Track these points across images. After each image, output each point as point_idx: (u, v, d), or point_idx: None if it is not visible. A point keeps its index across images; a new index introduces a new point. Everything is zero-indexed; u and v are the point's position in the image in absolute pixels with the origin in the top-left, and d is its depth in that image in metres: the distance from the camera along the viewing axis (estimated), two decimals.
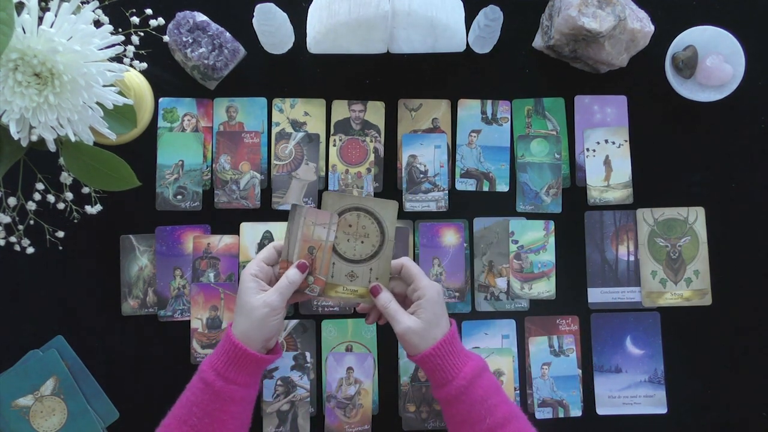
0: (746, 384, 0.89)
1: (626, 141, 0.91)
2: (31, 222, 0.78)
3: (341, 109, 0.91)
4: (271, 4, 0.81)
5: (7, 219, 0.74)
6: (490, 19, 0.83)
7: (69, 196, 0.78)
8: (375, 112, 0.91)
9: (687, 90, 0.89)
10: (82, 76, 0.61)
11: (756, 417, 0.89)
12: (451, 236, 0.89)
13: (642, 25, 0.87)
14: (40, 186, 0.75)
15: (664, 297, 0.89)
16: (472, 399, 0.70)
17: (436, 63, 0.91)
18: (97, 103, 0.64)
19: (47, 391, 0.83)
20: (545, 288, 0.89)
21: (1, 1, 0.55)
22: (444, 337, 0.71)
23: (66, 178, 0.76)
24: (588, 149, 0.91)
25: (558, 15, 0.85)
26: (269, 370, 0.86)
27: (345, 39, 0.85)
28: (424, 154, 0.90)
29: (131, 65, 0.73)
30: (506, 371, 0.87)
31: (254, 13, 0.82)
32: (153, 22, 0.75)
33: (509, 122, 0.91)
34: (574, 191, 0.91)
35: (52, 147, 0.64)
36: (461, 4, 0.87)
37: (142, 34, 0.74)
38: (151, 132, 0.89)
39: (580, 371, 0.88)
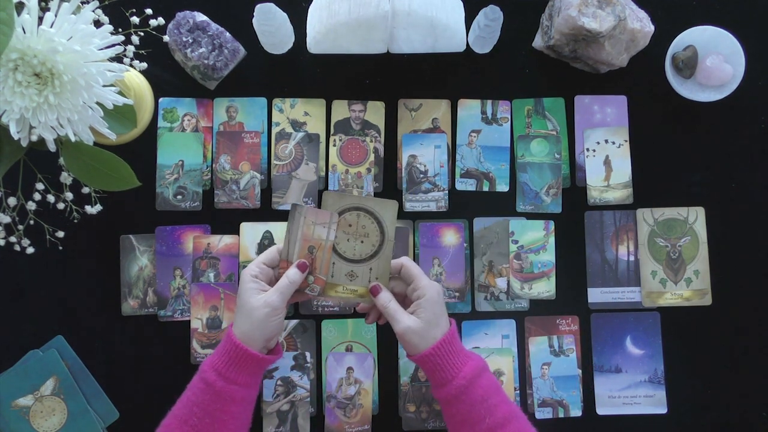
0: (746, 384, 0.89)
1: (626, 141, 0.91)
2: (31, 222, 0.78)
3: (341, 109, 0.91)
4: (271, 4, 0.81)
5: (7, 219, 0.74)
6: (490, 19, 0.83)
7: (69, 196, 0.78)
8: (375, 112, 0.91)
9: (687, 90, 0.89)
10: (82, 76, 0.61)
11: (756, 417, 0.88)
12: (451, 236, 0.89)
13: (642, 25, 0.87)
14: (40, 186, 0.75)
15: (664, 297, 0.89)
16: (472, 399, 0.70)
17: (436, 63, 0.91)
18: (97, 103, 0.64)
19: (47, 391, 0.83)
20: (545, 288, 0.89)
21: (1, 1, 0.55)
22: (444, 336, 0.71)
23: (66, 178, 0.76)
24: (588, 149, 0.91)
25: (558, 15, 0.85)
26: (269, 370, 0.86)
27: (345, 39, 0.85)
28: (424, 154, 0.90)
29: (131, 65, 0.73)
30: (506, 371, 0.87)
31: (254, 13, 0.82)
32: (153, 22, 0.75)
33: (509, 122, 0.91)
34: (574, 191, 0.91)
35: (52, 147, 0.64)
36: (461, 4, 0.87)
37: (142, 34, 0.74)
38: (151, 132, 0.89)
39: (580, 371, 0.88)
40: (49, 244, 0.82)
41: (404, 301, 0.76)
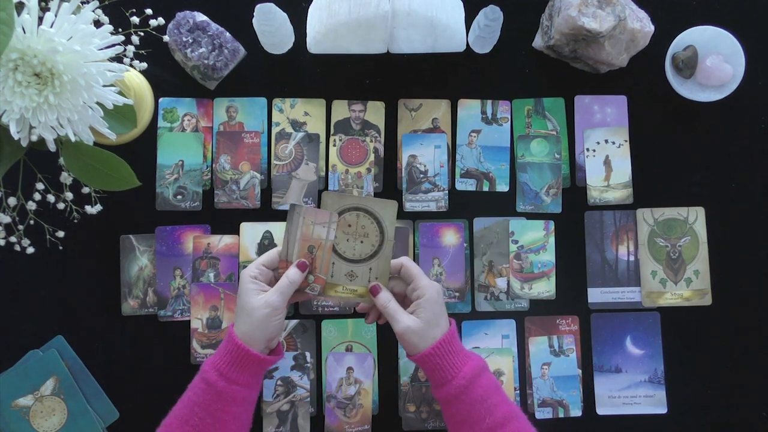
0: (746, 384, 0.89)
1: (626, 141, 0.91)
2: (31, 222, 0.78)
3: (341, 109, 0.91)
4: (271, 4, 0.81)
5: (7, 219, 0.74)
6: (490, 19, 0.83)
7: (69, 196, 0.78)
8: (375, 112, 0.91)
9: (687, 90, 0.89)
10: (82, 76, 0.61)
11: (756, 417, 0.88)
12: (451, 236, 0.89)
13: (642, 25, 0.87)
14: (40, 186, 0.75)
15: (664, 297, 0.89)
16: (472, 399, 0.70)
17: (436, 63, 0.91)
18: (97, 103, 0.64)
19: (47, 391, 0.83)
20: (545, 288, 0.89)
21: (1, 1, 0.55)
22: (443, 336, 0.71)
23: (66, 178, 0.76)
24: (588, 149, 0.91)
25: (558, 15, 0.85)
26: (269, 370, 0.86)
27: (345, 39, 0.85)
28: (424, 154, 0.90)
29: (131, 65, 0.73)
30: (506, 371, 0.87)
31: (254, 13, 0.82)
32: (153, 22, 0.75)
33: (509, 122, 0.91)
34: (574, 191, 0.91)
35: (52, 147, 0.64)
36: (461, 4, 0.87)
37: (142, 34, 0.74)
38: (151, 132, 0.89)
39: (580, 371, 0.88)
40: (49, 244, 0.82)
41: (404, 301, 0.76)
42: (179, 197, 0.88)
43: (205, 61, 0.85)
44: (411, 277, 0.74)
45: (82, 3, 0.63)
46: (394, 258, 0.76)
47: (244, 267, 0.80)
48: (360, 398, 0.86)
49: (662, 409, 0.88)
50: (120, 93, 0.66)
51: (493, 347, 0.88)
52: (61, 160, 0.72)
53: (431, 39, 0.87)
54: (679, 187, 0.91)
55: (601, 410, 0.88)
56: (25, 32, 0.59)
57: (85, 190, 0.78)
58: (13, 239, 0.77)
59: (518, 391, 0.87)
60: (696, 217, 0.90)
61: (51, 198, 0.75)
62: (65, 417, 0.83)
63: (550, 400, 0.87)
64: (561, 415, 0.87)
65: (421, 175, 0.90)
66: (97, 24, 0.65)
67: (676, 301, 0.89)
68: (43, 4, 0.63)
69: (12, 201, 0.74)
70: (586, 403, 0.88)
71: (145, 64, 0.74)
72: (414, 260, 0.88)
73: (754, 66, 0.89)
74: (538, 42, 0.91)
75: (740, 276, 0.90)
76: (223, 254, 0.87)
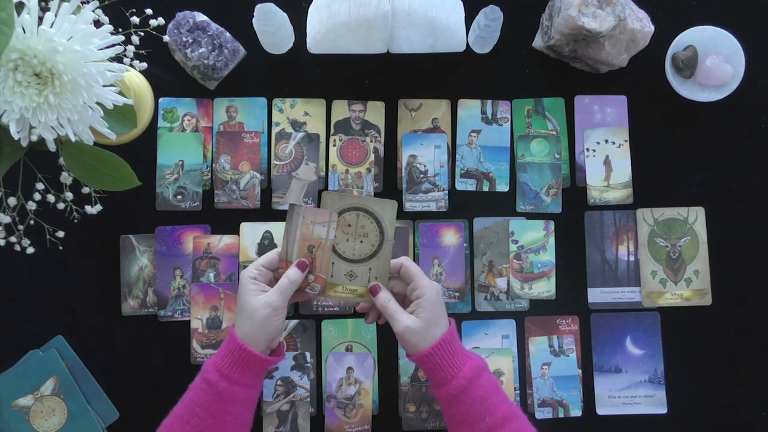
0: (746, 384, 0.89)
1: (626, 141, 0.91)
2: (31, 222, 0.78)
3: (341, 109, 0.91)
4: (271, 4, 0.81)
5: (7, 219, 0.74)
6: (490, 19, 0.83)
7: (69, 196, 0.78)
8: (375, 112, 0.91)
9: (687, 90, 0.89)
10: (82, 76, 0.61)
11: (756, 417, 0.88)
12: (451, 236, 0.89)
13: (642, 25, 0.87)
14: (40, 186, 0.75)
15: (664, 297, 0.89)
16: (472, 398, 0.70)
17: (436, 63, 0.91)
18: (97, 103, 0.64)
19: (47, 391, 0.83)
20: (545, 288, 0.89)
21: (1, 1, 0.55)
22: (443, 336, 0.71)
23: (66, 178, 0.76)
24: (588, 149, 0.91)
25: (558, 15, 0.85)
26: (269, 370, 0.86)
27: (345, 39, 0.85)
28: (424, 154, 0.90)
29: (131, 65, 0.73)
30: (506, 371, 0.87)
31: (254, 13, 0.82)
32: (153, 22, 0.75)
33: (509, 122, 0.91)
34: (574, 191, 0.91)
35: (52, 147, 0.64)
36: (461, 4, 0.87)
37: (142, 34, 0.74)
38: (151, 132, 0.89)
39: (580, 371, 0.88)
40: (49, 244, 0.82)
41: (404, 300, 0.76)
42: (179, 197, 0.88)
43: (205, 61, 0.85)
44: (411, 277, 0.74)
45: (82, 3, 0.63)
46: (394, 258, 0.76)
47: (244, 267, 0.80)
48: (360, 398, 0.86)
49: (662, 409, 0.88)
50: (120, 93, 0.66)
51: (493, 347, 0.88)
52: (61, 160, 0.72)
53: (431, 39, 0.87)
54: (679, 187, 0.91)
55: (601, 410, 0.88)
56: (25, 32, 0.59)
57: (85, 190, 0.78)
58: (13, 239, 0.77)
59: (518, 391, 0.87)
60: (696, 217, 0.90)
61: (51, 198, 0.75)
62: (65, 417, 0.83)
63: (550, 400, 0.87)
64: (561, 415, 0.87)
65: (421, 175, 0.90)
66: (97, 24, 0.65)
67: (676, 301, 0.89)
68: (43, 4, 0.63)
69: (12, 201, 0.74)
70: (586, 403, 0.88)
71: (145, 64, 0.74)
72: (414, 260, 0.88)
73: (754, 66, 0.89)
74: (538, 42, 0.91)
75: (740, 276, 0.90)
76: (223, 254, 0.87)
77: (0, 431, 0.83)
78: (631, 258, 0.90)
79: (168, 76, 0.89)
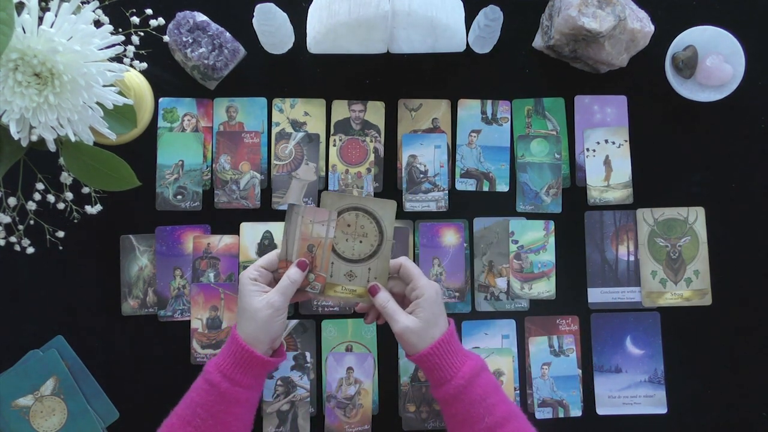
0: (746, 384, 0.89)
1: (626, 141, 0.91)
2: (31, 222, 0.78)
3: (341, 109, 0.91)
4: (271, 4, 0.81)
5: (7, 219, 0.74)
6: (490, 19, 0.83)
7: (69, 196, 0.78)
8: (375, 112, 0.91)
9: (687, 90, 0.89)
10: (82, 76, 0.61)
11: (756, 417, 0.88)
12: (451, 236, 0.89)
13: (642, 25, 0.87)
14: (40, 186, 0.75)
15: (664, 297, 0.89)
16: (471, 398, 0.70)
17: (436, 63, 0.91)
18: (97, 103, 0.64)
19: (47, 391, 0.83)
20: (545, 288, 0.89)
21: (1, 1, 0.55)
22: (442, 336, 0.71)
23: (66, 178, 0.76)
24: (588, 149, 0.91)
25: (558, 15, 0.85)
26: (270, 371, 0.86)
27: (345, 39, 0.85)
28: (424, 154, 0.90)
29: (131, 65, 0.73)
30: (506, 371, 0.87)
31: (254, 13, 0.82)
32: (153, 22, 0.75)
33: (509, 122, 0.91)
34: (574, 191, 0.91)
35: (52, 147, 0.64)
36: (461, 4, 0.87)
37: (142, 34, 0.74)
38: (151, 132, 0.89)
39: (580, 371, 0.88)
40: (49, 244, 0.82)
41: (403, 301, 0.76)
42: (179, 197, 0.88)
43: (205, 61, 0.85)
44: (410, 277, 0.74)
45: (82, 3, 0.63)
46: (393, 258, 0.76)
47: (245, 267, 0.80)
48: (360, 398, 0.86)
49: (662, 409, 0.88)
50: (120, 93, 0.66)
51: (493, 347, 0.88)
52: (61, 160, 0.72)
53: (431, 39, 0.87)
54: (679, 187, 0.91)
55: (601, 410, 0.88)
56: (25, 32, 0.59)
57: (85, 190, 0.78)
58: (13, 239, 0.77)
59: (518, 391, 0.87)
60: (696, 217, 0.90)
61: (51, 198, 0.75)
62: (65, 417, 0.83)
63: (550, 400, 0.87)
64: (561, 415, 0.87)
65: (421, 175, 0.90)
66: (97, 24, 0.65)
67: (676, 301, 0.89)
68: (43, 4, 0.63)
69: (12, 201, 0.74)
70: (586, 403, 0.88)
71: (145, 64, 0.74)
72: (414, 260, 0.88)
73: (754, 66, 0.89)
74: (538, 42, 0.91)
75: (740, 276, 0.90)
76: (223, 254, 0.87)
77: (0, 431, 0.83)
78: (631, 258, 0.90)
79: (168, 76, 0.89)
